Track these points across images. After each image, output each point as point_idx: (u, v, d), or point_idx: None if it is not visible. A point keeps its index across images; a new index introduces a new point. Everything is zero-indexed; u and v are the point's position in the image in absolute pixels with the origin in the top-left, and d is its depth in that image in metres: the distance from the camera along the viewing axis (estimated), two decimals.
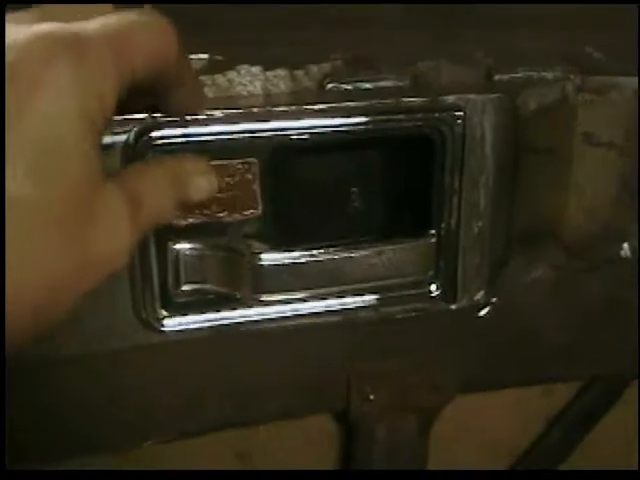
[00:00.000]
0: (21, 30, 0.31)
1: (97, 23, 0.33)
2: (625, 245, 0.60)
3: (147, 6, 0.36)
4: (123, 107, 0.35)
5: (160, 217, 0.38)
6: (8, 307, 0.30)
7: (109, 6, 0.37)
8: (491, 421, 0.69)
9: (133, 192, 0.36)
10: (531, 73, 0.54)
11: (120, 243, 0.34)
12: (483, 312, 0.58)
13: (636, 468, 0.71)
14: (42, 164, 0.30)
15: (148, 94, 0.40)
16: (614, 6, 0.54)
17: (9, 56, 0.30)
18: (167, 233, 0.48)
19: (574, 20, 0.54)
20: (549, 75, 0.54)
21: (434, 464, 0.65)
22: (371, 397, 0.59)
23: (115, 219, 0.34)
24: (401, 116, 0.49)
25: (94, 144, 0.32)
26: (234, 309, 0.50)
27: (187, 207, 0.47)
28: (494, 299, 0.57)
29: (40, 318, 0.32)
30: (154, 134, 0.45)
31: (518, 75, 0.54)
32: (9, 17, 0.33)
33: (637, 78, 0.56)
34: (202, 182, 0.42)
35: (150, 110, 0.43)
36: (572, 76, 0.55)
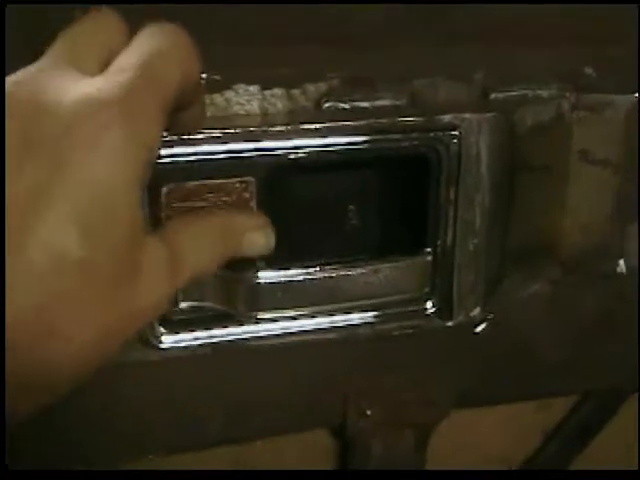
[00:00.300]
0: (62, 92, 0.31)
1: (132, 66, 0.33)
2: (621, 261, 0.60)
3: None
4: None
5: (202, 271, 0.38)
6: (52, 359, 0.30)
7: (121, 22, 0.37)
8: (487, 436, 0.69)
9: (174, 246, 0.36)
10: (527, 91, 0.54)
11: (158, 296, 0.34)
12: (479, 328, 0.58)
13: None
14: (93, 222, 0.30)
15: None
16: (613, 15, 0.55)
17: (62, 120, 0.30)
18: None
19: (570, 33, 0.54)
20: (544, 93, 0.55)
21: None
22: (368, 412, 0.59)
23: (156, 274, 0.34)
24: (397, 135, 0.50)
25: (140, 195, 0.32)
26: (232, 326, 0.51)
27: None
28: (490, 315, 0.58)
29: (80, 369, 0.32)
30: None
31: (513, 93, 0.54)
32: (32, 69, 0.33)
33: (632, 96, 0.56)
34: (257, 237, 0.42)
35: None
36: (567, 94, 0.55)
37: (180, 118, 0.40)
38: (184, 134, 0.44)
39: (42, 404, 0.32)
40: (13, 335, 0.29)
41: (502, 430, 0.70)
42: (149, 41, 0.35)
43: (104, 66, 0.34)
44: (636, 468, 0.69)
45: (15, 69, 0.33)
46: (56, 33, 0.35)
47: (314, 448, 0.65)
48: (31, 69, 0.33)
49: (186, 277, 0.37)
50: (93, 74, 0.34)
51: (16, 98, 0.31)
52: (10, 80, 0.32)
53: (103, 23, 0.36)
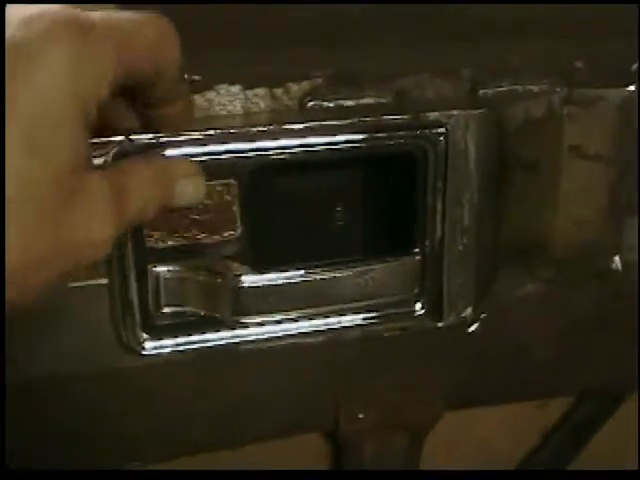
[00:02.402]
0: (27, 8, 0.31)
1: (103, 12, 0.33)
2: (616, 258, 0.59)
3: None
4: (103, 127, 0.36)
5: (142, 217, 0.38)
6: None
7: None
8: (483, 435, 0.68)
9: (119, 186, 0.35)
10: (516, 86, 0.53)
11: (100, 232, 0.34)
12: (472, 328, 0.57)
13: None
14: (31, 138, 0.30)
15: (131, 110, 0.40)
16: (604, 8, 0.53)
17: (10, 30, 0.30)
18: (147, 256, 0.47)
19: (561, 26, 0.53)
20: (535, 88, 0.54)
21: None
22: (360, 416, 0.59)
23: (97, 207, 0.33)
24: (383, 134, 0.49)
25: (84, 126, 0.32)
26: (215, 331, 0.50)
27: (167, 229, 0.46)
28: (483, 315, 0.57)
29: (8, 293, 0.31)
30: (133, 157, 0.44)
31: (503, 89, 0.53)
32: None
33: (624, 89, 0.55)
34: (187, 186, 0.40)
35: (127, 132, 0.43)
36: (558, 89, 0.54)
37: (166, 116, 0.40)
38: (171, 133, 0.43)
39: None
40: None
41: (499, 429, 0.69)
42: (130, 13, 0.35)
43: None
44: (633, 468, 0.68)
45: None
46: None
47: (307, 451, 0.64)
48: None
49: (129, 219, 0.36)
50: None
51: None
52: None
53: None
